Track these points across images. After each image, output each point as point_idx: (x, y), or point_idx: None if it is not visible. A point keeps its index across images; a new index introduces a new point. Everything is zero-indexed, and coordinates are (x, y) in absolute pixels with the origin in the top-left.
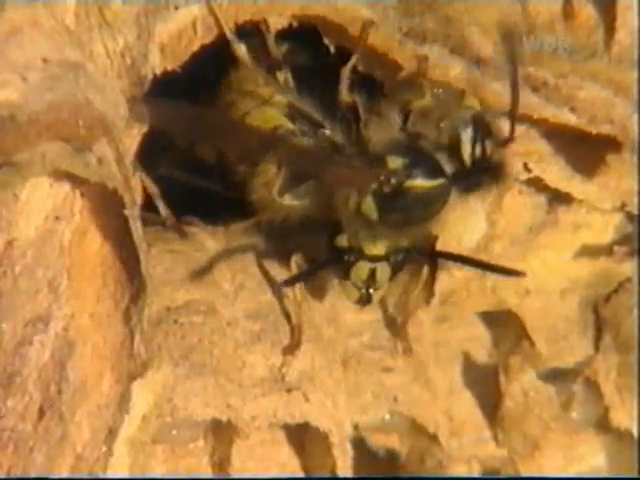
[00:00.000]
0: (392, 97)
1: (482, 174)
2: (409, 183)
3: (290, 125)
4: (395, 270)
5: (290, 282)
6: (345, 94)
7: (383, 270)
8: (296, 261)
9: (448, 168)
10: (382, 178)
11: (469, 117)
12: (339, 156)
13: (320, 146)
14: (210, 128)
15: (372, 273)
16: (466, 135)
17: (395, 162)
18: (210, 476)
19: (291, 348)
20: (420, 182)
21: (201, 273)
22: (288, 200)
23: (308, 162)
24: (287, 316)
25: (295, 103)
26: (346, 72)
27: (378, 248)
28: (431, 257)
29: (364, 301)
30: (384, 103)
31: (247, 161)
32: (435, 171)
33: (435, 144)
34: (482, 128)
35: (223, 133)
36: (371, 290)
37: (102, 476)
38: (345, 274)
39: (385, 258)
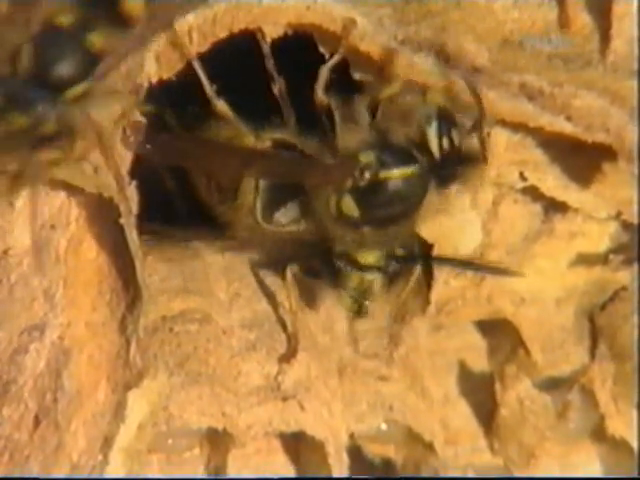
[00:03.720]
0: (363, 93)
1: (454, 165)
2: (384, 174)
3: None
4: (390, 280)
5: None
6: (321, 94)
7: (376, 280)
8: (292, 271)
9: (420, 157)
10: (356, 173)
11: (433, 112)
12: (312, 159)
13: (294, 154)
14: (190, 151)
15: (365, 283)
16: (432, 130)
17: (367, 156)
18: None
19: (287, 357)
20: (394, 171)
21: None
22: (274, 226)
23: (284, 170)
24: (283, 325)
25: (275, 138)
26: (325, 70)
27: (371, 257)
28: (425, 263)
29: (358, 312)
30: (356, 101)
31: (228, 182)
32: (407, 159)
33: (404, 137)
34: (447, 121)
35: (202, 155)
36: (364, 301)
37: (101, 476)
38: (339, 283)
39: (378, 268)
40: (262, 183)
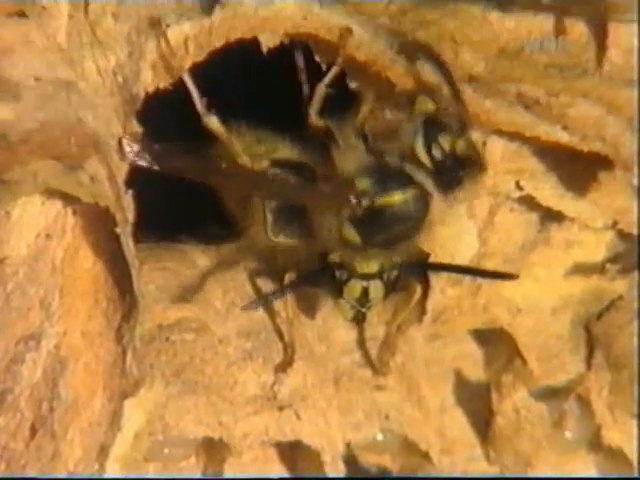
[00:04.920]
0: (347, 118)
1: (454, 170)
2: (381, 200)
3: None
4: (388, 288)
5: (277, 295)
6: (314, 117)
7: (376, 288)
8: (289, 279)
9: (418, 176)
10: (353, 201)
11: (419, 124)
12: (310, 185)
13: (296, 178)
14: (202, 169)
15: (365, 291)
16: (419, 144)
17: (363, 183)
18: None
19: (283, 366)
20: (391, 196)
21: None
22: (282, 239)
23: (287, 193)
24: (279, 334)
25: (272, 156)
26: (322, 88)
27: (370, 266)
28: (423, 271)
29: (357, 320)
30: (351, 124)
31: (238, 198)
32: (404, 182)
33: (400, 156)
34: (434, 129)
35: (214, 174)
36: (364, 309)
37: (101, 476)
38: (338, 292)
39: (377, 276)
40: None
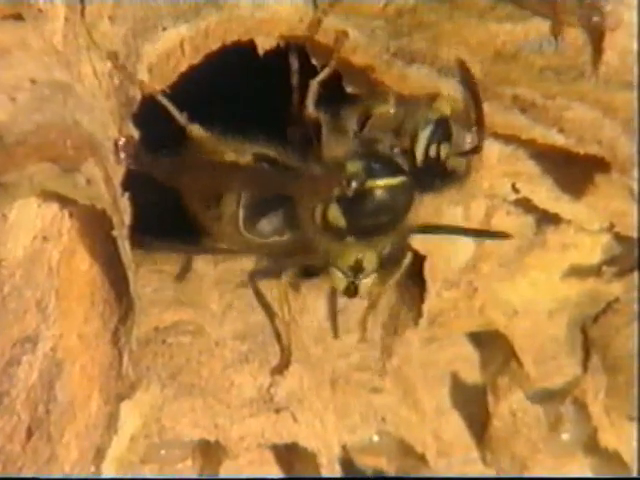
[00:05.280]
0: (354, 105)
1: (434, 176)
2: (370, 183)
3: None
4: (382, 261)
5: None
6: (311, 108)
7: (370, 258)
8: (285, 280)
9: (405, 166)
10: (343, 183)
11: (432, 118)
12: (298, 170)
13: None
14: (174, 168)
15: (358, 261)
16: (423, 134)
17: (354, 166)
18: None
19: (279, 368)
20: (381, 181)
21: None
22: (256, 236)
23: (270, 182)
24: (277, 336)
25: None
26: (314, 85)
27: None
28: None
29: (351, 291)
30: (344, 112)
31: (211, 197)
32: (394, 169)
33: (391, 147)
34: (442, 131)
35: (186, 172)
36: (357, 280)
37: (99, 476)
38: (332, 261)
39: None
40: (244, 193)
